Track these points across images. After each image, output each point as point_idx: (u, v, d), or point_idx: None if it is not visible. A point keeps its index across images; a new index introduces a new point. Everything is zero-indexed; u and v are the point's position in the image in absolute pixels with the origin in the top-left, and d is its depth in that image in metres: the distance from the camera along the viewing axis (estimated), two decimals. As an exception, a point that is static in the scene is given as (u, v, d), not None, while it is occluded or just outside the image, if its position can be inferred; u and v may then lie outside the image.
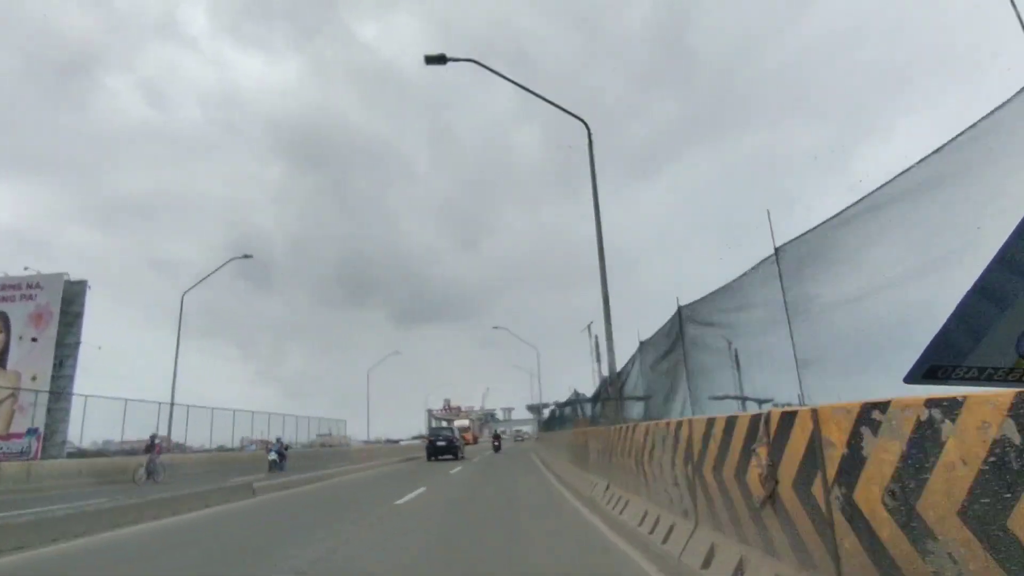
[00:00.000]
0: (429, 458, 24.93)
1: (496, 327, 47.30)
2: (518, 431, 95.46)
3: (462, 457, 25.74)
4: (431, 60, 12.96)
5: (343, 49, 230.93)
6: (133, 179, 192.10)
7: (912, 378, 1.34)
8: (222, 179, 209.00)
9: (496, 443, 39.76)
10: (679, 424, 4.66)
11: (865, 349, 5.28)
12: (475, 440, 59.50)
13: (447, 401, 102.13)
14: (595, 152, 13.49)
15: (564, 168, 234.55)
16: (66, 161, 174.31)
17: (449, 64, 13.31)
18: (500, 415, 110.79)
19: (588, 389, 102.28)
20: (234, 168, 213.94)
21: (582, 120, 13.72)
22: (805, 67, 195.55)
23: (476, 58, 13.59)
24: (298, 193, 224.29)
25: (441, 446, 25.31)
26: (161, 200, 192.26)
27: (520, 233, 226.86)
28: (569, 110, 13.78)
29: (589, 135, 13.65)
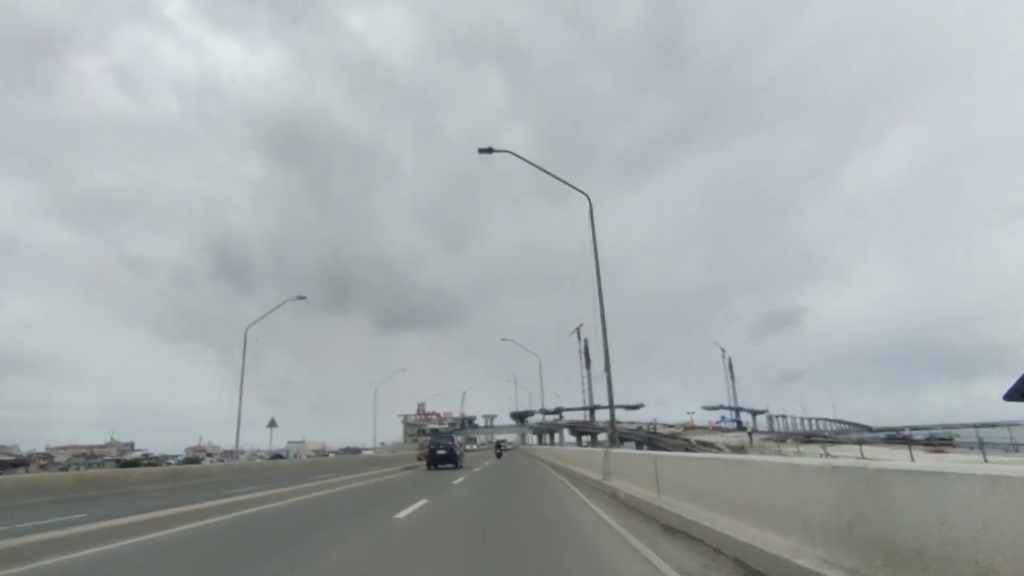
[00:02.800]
0: (429, 467, 25.25)
1: (504, 339, 46.26)
2: (501, 441, 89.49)
3: (461, 466, 25.99)
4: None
5: (328, 39, 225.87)
6: (105, 172, 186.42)
7: (1011, 396, 1.46)
8: (199, 174, 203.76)
9: (498, 451, 46.68)
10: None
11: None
12: None
13: (421, 406, 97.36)
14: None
15: (552, 171, 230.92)
16: (34, 151, 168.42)
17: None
18: (481, 422, 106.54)
19: (576, 395, 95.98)
20: (211, 163, 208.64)
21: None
22: (797, 73, 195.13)
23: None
24: (278, 191, 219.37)
25: (442, 455, 25.51)
26: (134, 195, 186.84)
27: (506, 237, 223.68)
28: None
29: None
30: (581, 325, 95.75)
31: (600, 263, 14.94)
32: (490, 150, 16.63)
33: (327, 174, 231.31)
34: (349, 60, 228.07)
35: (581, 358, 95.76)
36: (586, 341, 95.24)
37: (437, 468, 24.86)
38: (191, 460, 57.53)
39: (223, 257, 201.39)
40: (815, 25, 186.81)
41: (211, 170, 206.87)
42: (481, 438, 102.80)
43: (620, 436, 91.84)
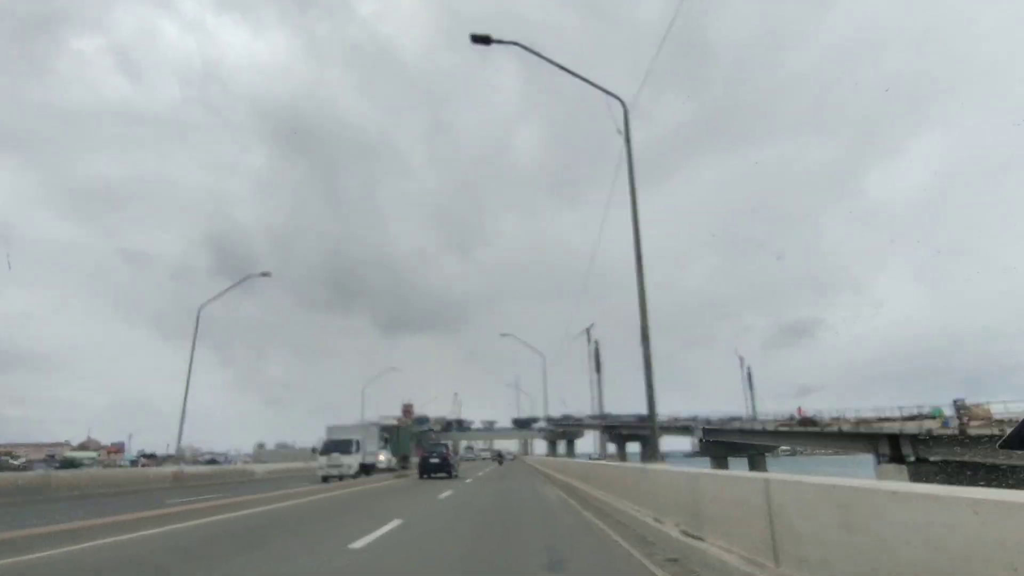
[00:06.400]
0: (421, 476, 24.71)
1: (504, 334, 41.73)
2: (498, 451, 79.08)
3: (455, 476, 25.26)
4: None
5: (339, 25, 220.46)
6: (105, 162, 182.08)
7: (1008, 444, 1.41)
8: (200, 165, 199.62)
9: (499, 460, 46.51)
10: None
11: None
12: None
13: (407, 406, 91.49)
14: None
15: (564, 173, 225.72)
16: (32, 139, 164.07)
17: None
18: (478, 426, 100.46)
19: (584, 402, 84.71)
20: (214, 154, 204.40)
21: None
22: (819, 78, 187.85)
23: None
24: (282, 185, 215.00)
25: (435, 463, 25.01)
26: (133, 186, 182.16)
27: (515, 239, 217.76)
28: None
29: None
30: (592, 325, 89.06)
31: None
32: (486, 39, 12.70)
33: (332, 168, 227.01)
34: (359, 49, 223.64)
35: (591, 362, 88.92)
36: (596, 343, 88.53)
37: (430, 477, 24.33)
38: (69, 463, 49.92)
39: (223, 252, 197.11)
40: (839, 28, 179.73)
41: (213, 161, 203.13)
42: (479, 444, 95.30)
43: (711, 439, 55.99)
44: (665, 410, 76.37)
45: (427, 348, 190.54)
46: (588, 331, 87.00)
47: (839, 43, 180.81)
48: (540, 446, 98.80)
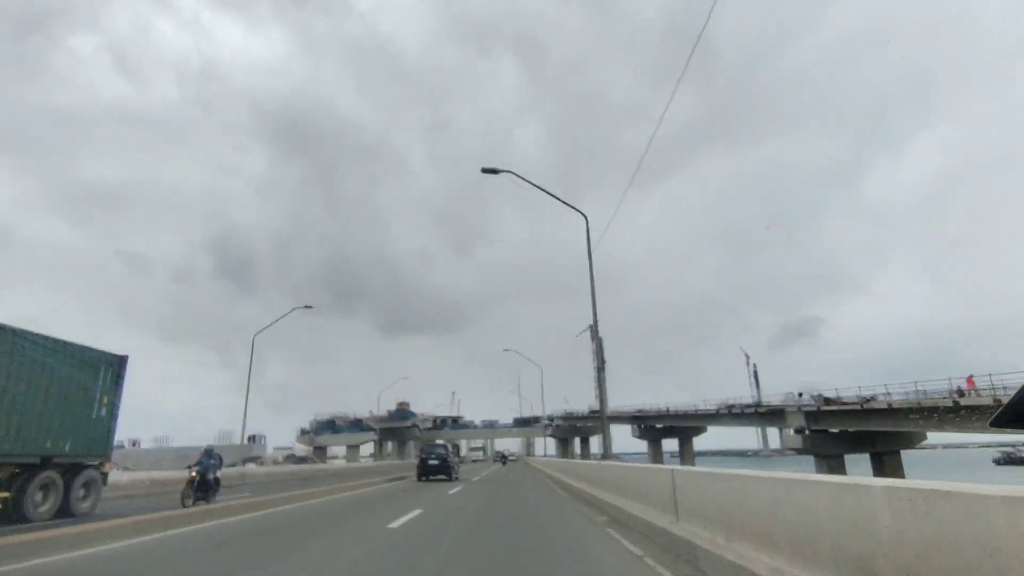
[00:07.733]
0: (419, 478, 24.73)
1: (507, 349, 42.64)
2: (501, 452, 76.05)
3: (456, 478, 24.92)
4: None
5: (336, 21, 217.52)
6: (103, 163, 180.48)
7: (998, 422, 1.25)
8: (199, 166, 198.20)
9: (503, 461, 44.65)
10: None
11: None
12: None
13: (402, 404, 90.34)
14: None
15: (566, 172, 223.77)
16: (30, 141, 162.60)
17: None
18: (478, 425, 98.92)
19: (587, 398, 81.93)
20: (212, 155, 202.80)
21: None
22: (822, 73, 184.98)
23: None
24: (282, 186, 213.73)
25: (434, 465, 24.87)
26: (132, 188, 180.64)
27: (517, 238, 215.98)
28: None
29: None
30: (596, 321, 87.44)
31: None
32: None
33: (332, 169, 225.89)
34: (358, 44, 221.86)
35: (595, 359, 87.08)
36: (600, 340, 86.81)
37: (429, 479, 24.23)
38: None
39: (224, 254, 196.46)
40: (842, 23, 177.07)
41: (212, 163, 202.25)
42: (476, 443, 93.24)
43: (820, 428, 37.73)
44: (687, 401, 64.87)
45: (428, 348, 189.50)
46: (591, 328, 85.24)
47: (840, 39, 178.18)
48: (547, 445, 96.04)
